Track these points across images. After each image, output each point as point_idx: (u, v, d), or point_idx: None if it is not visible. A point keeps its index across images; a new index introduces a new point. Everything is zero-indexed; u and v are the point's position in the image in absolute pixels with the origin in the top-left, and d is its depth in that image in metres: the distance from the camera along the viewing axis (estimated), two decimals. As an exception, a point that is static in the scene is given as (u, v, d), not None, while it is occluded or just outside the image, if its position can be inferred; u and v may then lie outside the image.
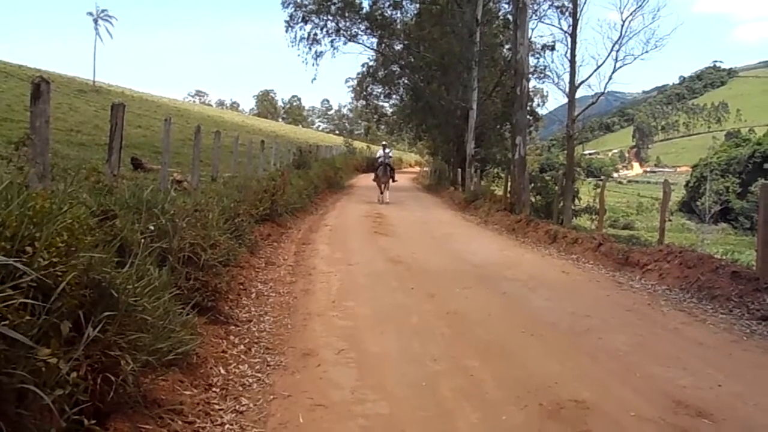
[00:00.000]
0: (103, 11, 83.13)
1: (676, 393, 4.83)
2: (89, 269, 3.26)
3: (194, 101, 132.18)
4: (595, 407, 4.49)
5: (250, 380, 4.90)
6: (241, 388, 4.71)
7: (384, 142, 26.37)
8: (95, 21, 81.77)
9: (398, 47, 37.16)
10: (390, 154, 24.91)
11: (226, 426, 4.00)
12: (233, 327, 6.16)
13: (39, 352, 2.55)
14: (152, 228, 5.25)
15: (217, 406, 4.26)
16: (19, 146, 4.43)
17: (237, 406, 4.34)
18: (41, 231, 2.93)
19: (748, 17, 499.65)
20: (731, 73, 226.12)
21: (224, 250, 6.84)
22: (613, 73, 18.82)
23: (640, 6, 18.33)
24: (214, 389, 4.55)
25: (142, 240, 4.70)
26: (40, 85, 4.49)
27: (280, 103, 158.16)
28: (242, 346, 5.69)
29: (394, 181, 24.58)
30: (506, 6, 31.70)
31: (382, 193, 23.46)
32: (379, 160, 24.01)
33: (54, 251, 2.91)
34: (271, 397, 4.58)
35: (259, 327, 6.38)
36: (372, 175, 25.92)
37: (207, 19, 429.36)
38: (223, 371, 4.95)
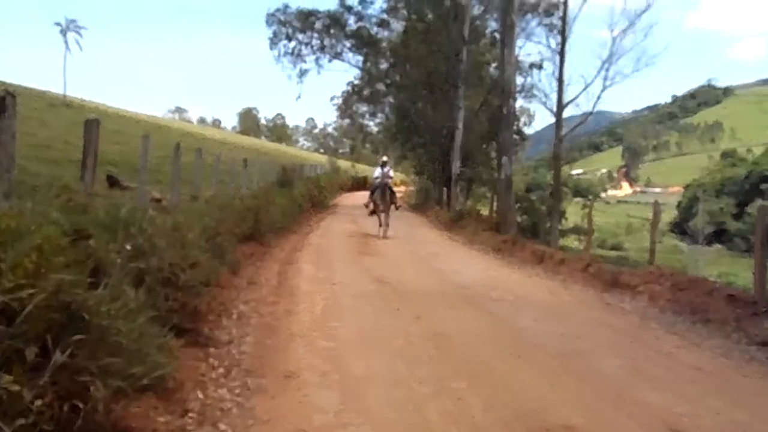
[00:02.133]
0: (72, 21, 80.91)
1: (673, 421, 4.77)
2: (59, 291, 3.18)
3: (174, 117, 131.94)
4: (586, 433, 4.44)
5: (229, 404, 4.79)
6: (219, 413, 4.60)
7: (384, 158, 20.38)
8: (63, 32, 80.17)
9: (384, 65, 37.38)
10: (390, 173, 19.73)
11: (203, 455, 3.90)
12: (213, 349, 6.06)
13: (1, 379, 2.47)
14: (129, 248, 5.16)
15: (193, 434, 4.17)
16: (-18, 163, 4.35)
17: (214, 433, 4.25)
18: (6, 252, 2.86)
19: (744, 33, 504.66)
20: (726, 91, 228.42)
21: (205, 269, 6.75)
22: (602, 92, 18.97)
23: (632, 24, 18.48)
24: (190, 414, 4.44)
25: (118, 260, 4.62)
26: (5, 99, 4.41)
27: (263, 121, 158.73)
28: (222, 369, 5.58)
29: (396, 207, 18.92)
30: (494, 24, 31.95)
31: (381, 224, 18.01)
32: (377, 180, 18.82)
33: (21, 272, 2.84)
34: (251, 422, 4.48)
35: (240, 349, 6.28)
36: (363, 197, 22.50)
37: (187, 33, 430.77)
38: (201, 395, 4.84)
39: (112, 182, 16.40)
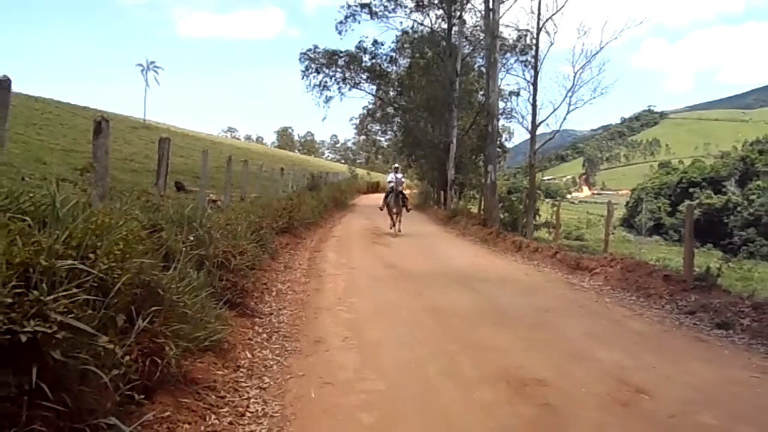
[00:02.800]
0: (151, 62, 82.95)
1: (620, 373, 4.81)
2: (140, 272, 3.26)
3: (227, 136, 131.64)
4: (552, 385, 4.47)
5: (271, 363, 4.88)
6: (263, 369, 4.69)
7: (396, 165, 19.35)
8: (143, 71, 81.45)
9: (392, 93, 37.28)
10: (402, 180, 18.60)
11: (251, 400, 3.98)
12: (257, 319, 6.14)
13: (99, 339, 2.55)
14: (192, 238, 5.24)
15: (244, 384, 4.25)
16: (84, 172, 4.42)
17: (260, 384, 4.33)
18: (101, 241, 2.94)
19: (675, 71, 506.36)
20: (662, 115, 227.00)
21: (250, 256, 6.82)
22: (567, 114, 18.77)
23: (589, 61, 18.34)
24: (241, 370, 4.53)
25: (184, 248, 4.70)
26: (101, 123, 4.51)
27: (296, 137, 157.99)
28: (265, 335, 5.67)
29: (408, 210, 17.72)
30: (480, 60, 31.79)
31: (394, 224, 16.94)
32: (390, 185, 17.42)
33: (112, 257, 2.91)
34: (288, 376, 4.56)
35: (279, 319, 6.36)
36: (376, 198, 21.97)
37: (237, 69, 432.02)
38: (249, 355, 4.92)
39: (179, 187, 16.48)
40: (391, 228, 16.88)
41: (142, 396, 2.91)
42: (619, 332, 6.39)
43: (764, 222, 63.67)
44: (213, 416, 3.55)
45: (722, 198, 73.98)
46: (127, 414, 2.78)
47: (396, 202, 16.67)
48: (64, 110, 42.48)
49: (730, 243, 55.28)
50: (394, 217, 16.76)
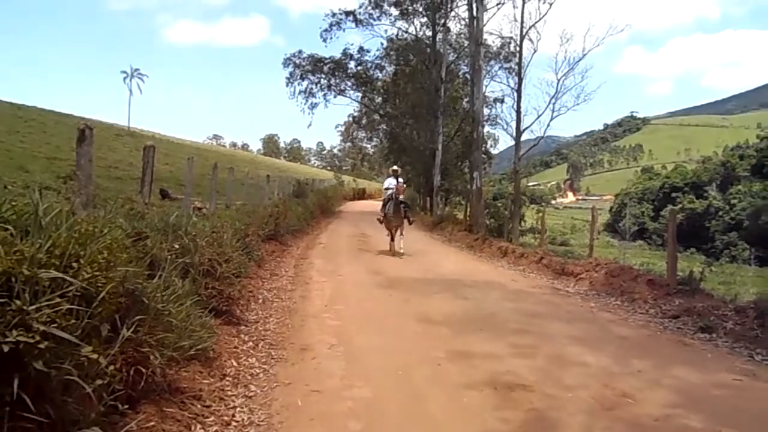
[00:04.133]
0: (136, 70, 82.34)
1: (606, 378, 4.85)
2: (125, 280, 3.22)
3: (212, 143, 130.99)
4: (539, 390, 4.49)
5: (257, 371, 4.85)
6: (250, 378, 4.65)
7: (394, 167, 16.05)
8: (127, 79, 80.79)
9: (378, 100, 37.41)
10: (404, 184, 14.96)
11: (237, 408, 3.95)
12: (243, 327, 6.10)
13: (82, 349, 2.52)
14: (177, 246, 5.19)
15: (230, 392, 4.22)
16: (67, 180, 4.39)
17: (246, 392, 4.30)
18: (85, 249, 2.90)
19: (657, 77, 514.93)
20: (645, 121, 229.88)
21: (236, 263, 6.75)
22: (550, 121, 18.97)
23: (572, 68, 18.56)
24: (227, 378, 4.50)
25: (169, 256, 4.66)
26: (84, 131, 4.47)
27: (282, 145, 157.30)
28: (251, 343, 5.63)
29: (410, 222, 14.36)
30: (465, 67, 31.99)
31: (393, 240, 13.84)
32: (388, 192, 14.43)
33: (96, 266, 2.87)
34: (275, 384, 4.53)
35: (265, 327, 6.33)
36: (362, 205, 20.54)
37: (222, 76, 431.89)
38: (235, 364, 4.89)
39: (164, 195, 16.37)
40: (390, 243, 13.94)
41: (127, 406, 2.87)
42: (604, 337, 6.44)
43: (745, 226, 64.51)
44: (198, 426, 3.52)
45: (704, 203, 74.95)
46: (111, 424, 2.74)
47: (396, 212, 13.62)
48: (47, 118, 42.09)
49: (713, 247, 56.05)
50: (394, 231, 13.83)
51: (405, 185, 14.71)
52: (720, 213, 71.59)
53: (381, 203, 15.28)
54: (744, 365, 5.45)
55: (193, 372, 4.18)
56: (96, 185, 6.67)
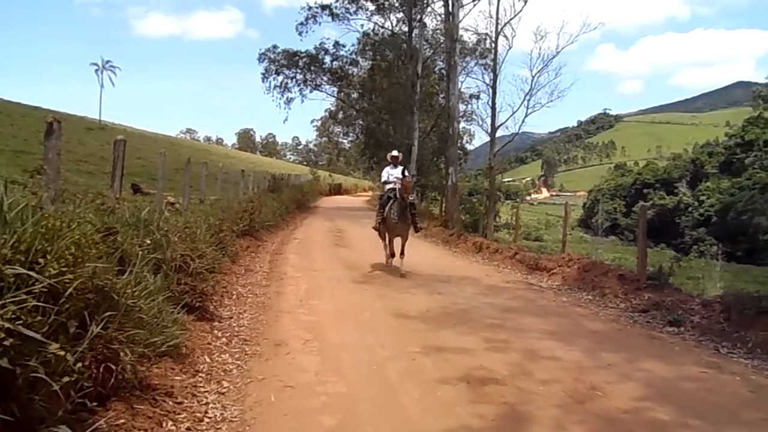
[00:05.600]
0: (107, 62, 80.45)
1: (577, 372, 4.92)
2: (94, 277, 3.16)
3: (185, 137, 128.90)
4: (512, 384, 4.54)
5: (231, 367, 4.82)
6: (223, 373, 4.62)
7: (394, 152, 11.41)
8: (98, 71, 78.92)
9: (355, 95, 37.29)
10: (409, 176, 10.29)
11: (210, 405, 3.92)
12: (217, 323, 6.05)
13: (49, 346, 2.47)
14: (149, 242, 5.12)
15: (202, 389, 4.17)
16: (34, 174, 4.29)
17: (219, 388, 4.26)
18: (52, 245, 2.85)
19: (629, 75, 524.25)
20: (617, 118, 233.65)
21: (210, 259, 6.69)
22: (525, 117, 19.11)
23: (546, 65, 18.72)
24: (200, 375, 4.45)
25: (140, 252, 4.59)
26: (52, 124, 4.38)
27: (258, 139, 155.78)
28: (224, 339, 5.59)
29: (417, 229, 10.88)
30: (441, 63, 32.05)
31: (392, 254, 10.35)
32: (388, 186, 10.65)
33: (63, 262, 2.82)
34: (248, 380, 4.51)
35: (239, 323, 6.28)
36: (338, 201, 18.46)
37: (196, 70, 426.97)
38: (208, 360, 4.85)
39: (136, 189, 16.16)
40: (388, 260, 10.49)
41: (96, 403, 2.83)
42: (576, 331, 6.53)
43: (714, 222, 66.00)
44: (170, 422, 3.48)
45: (674, 199, 76.45)
46: (79, 422, 2.70)
47: (402, 216, 9.90)
48: (14, 110, 41.12)
49: (682, 243, 57.18)
50: (393, 242, 10.33)
51: (413, 178, 9.95)
52: (689, 209, 73.07)
53: (377, 203, 11.56)
54: (710, 358, 5.58)
55: (165, 368, 4.13)
56: (65, 180, 6.56)
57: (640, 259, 8.72)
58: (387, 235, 10.49)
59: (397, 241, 10.24)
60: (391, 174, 10.65)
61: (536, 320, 6.95)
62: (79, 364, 2.67)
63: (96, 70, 78.98)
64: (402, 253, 10.04)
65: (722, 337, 6.22)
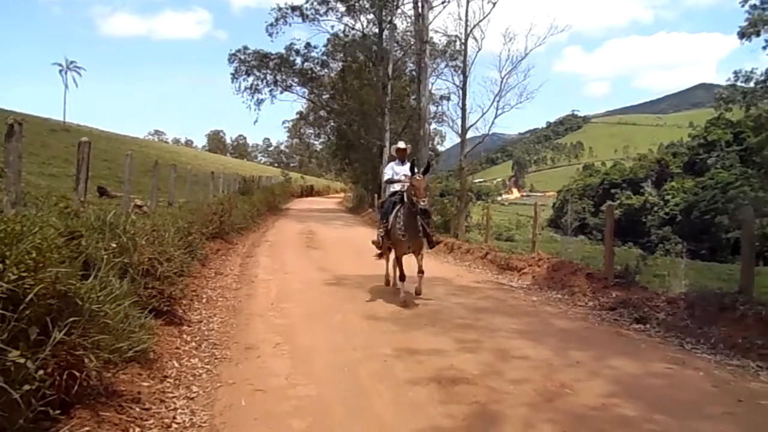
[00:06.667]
0: (72, 62, 78.75)
1: (547, 371, 4.98)
2: (56, 282, 3.08)
3: (154, 139, 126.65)
4: (482, 384, 4.57)
5: (200, 371, 4.75)
6: (192, 378, 4.55)
7: (400, 145, 8.83)
8: (62, 72, 77.16)
9: (326, 96, 37.16)
10: (419, 176, 7.55)
11: (179, 410, 3.85)
12: (186, 327, 5.96)
13: (9, 354, 2.41)
14: (114, 245, 5.01)
15: (171, 394, 4.11)
16: (-6, 178, 4.19)
17: (188, 394, 4.20)
18: (11, 250, 2.77)
19: (596, 77, 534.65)
20: (585, 119, 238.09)
21: (179, 263, 6.59)
22: (495, 118, 19.38)
23: (515, 67, 19.03)
24: (168, 380, 4.38)
25: (106, 256, 4.49)
26: (13, 125, 4.27)
27: (228, 141, 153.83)
28: (194, 343, 5.51)
29: (432, 245, 8.42)
30: (412, 65, 32.17)
31: (402, 275, 7.91)
32: (393, 188, 8.34)
33: (23, 267, 2.75)
34: (218, 384, 4.45)
35: (209, 326, 6.20)
36: (310, 202, 17.78)
37: (165, 70, 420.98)
38: (176, 364, 4.77)
39: (102, 192, 15.88)
40: (394, 285, 8.42)
41: (58, 412, 2.76)
42: (546, 330, 6.60)
43: (678, 221, 67.57)
44: (137, 429, 3.41)
45: (641, 198, 78.09)
46: (41, 430, 2.64)
47: (411, 226, 7.71)
48: (-27, 112, 39.94)
49: (648, 241, 58.29)
50: (400, 262, 8.10)
51: (424, 180, 7.65)
52: (655, 208, 74.69)
53: (378, 210, 9.61)
54: (675, 354, 5.70)
55: (132, 374, 4.06)
56: (27, 182, 6.39)
57: (608, 258, 8.86)
58: (393, 251, 8.34)
59: (406, 259, 8.12)
60: (397, 172, 8.39)
61: (507, 320, 7.01)
62: (41, 372, 2.61)
63: (60, 71, 77.53)
64: (420, 271, 7.91)
65: (686, 333, 6.36)
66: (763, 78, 25.83)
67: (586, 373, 4.93)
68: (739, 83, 28.14)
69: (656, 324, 6.80)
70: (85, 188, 6.22)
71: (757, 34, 25.03)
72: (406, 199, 7.74)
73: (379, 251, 8.87)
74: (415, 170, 7.66)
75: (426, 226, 7.98)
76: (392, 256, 8.54)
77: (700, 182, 70.01)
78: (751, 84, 26.95)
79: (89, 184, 6.97)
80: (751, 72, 27.04)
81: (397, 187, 8.25)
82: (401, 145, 8.88)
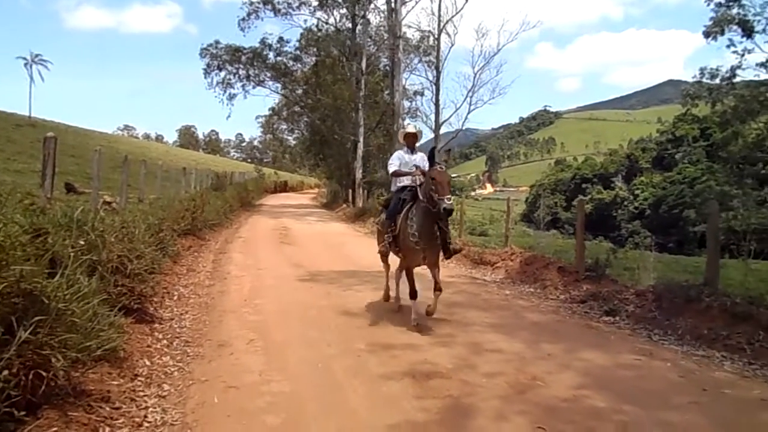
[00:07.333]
0: (37, 56, 76.29)
1: (519, 363, 5.03)
2: (21, 280, 3.02)
3: (123, 134, 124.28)
4: (456, 377, 4.60)
5: (172, 369, 4.69)
6: (163, 376, 4.50)
7: (410, 129, 6.99)
8: (28, 65, 74.76)
9: (299, 91, 36.85)
10: (441, 166, 6.00)
11: (150, 409, 3.80)
12: (157, 325, 5.88)
13: (-30, 354, 2.34)
14: (82, 243, 4.91)
15: (142, 393, 4.05)
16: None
17: (160, 392, 4.15)
18: (-27, 247, 2.70)
19: (567, 73, 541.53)
20: (557, 114, 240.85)
21: (149, 260, 6.47)
22: (468, 114, 19.54)
23: (488, 62, 19.21)
24: (139, 378, 4.32)
25: (73, 253, 4.39)
26: (-25, 119, 4.15)
27: (200, 136, 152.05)
28: (165, 341, 5.44)
29: (448, 254, 6.57)
30: (385, 60, 32.12)
31: (413, 295, 6.34)
32: (401, 183, 6.80)
33: (-15, 265, 2.68)
34: (190, 382, 4.40)
35: (181, 324, 6.13)
36: (285, 198, 17.49)
37: (134, 64, 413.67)
38: (147, 363, 4.71)
39: (69, 188, 15.56)
40: (396, 298, 7.30)
41: (24, 412, 2.70)
42: (518, 324, 6.67)
43: (647, 215, 68.87)
44: (107, 428, 3.36)
45: (611, 193, 79.49)
46: (6, 433, 2.58)
47: (427, 230, 6.22)
48: (-67, 107, 38.78)
49: (619, 235, 59.21)
50: (411, 275, 6.56)
51: (445, 170, 6.11)
52: (625, 203, 76.09)
53: (381, 211, 7.51)
54: (643, 345, 5.82)
55: (102, 373, 3.99)
56: (-9, 178, 6.21)
57: (579, 251, 8.99)
58: (401, 261, 6.87)
59: (418, 271, 6.67)
60: (407, 162, 6.85)
61: (480, 314, 7.06)
62: (5, 372, 2.54)
63: (25, 64, 75.04)
64: (437, 288, 6.39)
65: (654, 325, 6.50)
66: (728, 75, 26.40)
67: (557, 366, 5.00)
68: (705, 80, 28.77)
69: (625, 316, 6.93)
70: (52, 184, 6.09)
71: (722, 33, 25.53)
72: (421, 197, 6.22)
73: (385, 253, 7.13)
74: (435, 160, 6.11)
75: (445, 230, 6.51)
76: (394, 263, 7.18)
77: (668, 177, 71.53)
78: (717, 80, 27.56)
79: (56, 180, 6.83)
80: (717, 69, 27.64)
81: (406, 181, 6.75)
82: (411, 129, 7.08)
